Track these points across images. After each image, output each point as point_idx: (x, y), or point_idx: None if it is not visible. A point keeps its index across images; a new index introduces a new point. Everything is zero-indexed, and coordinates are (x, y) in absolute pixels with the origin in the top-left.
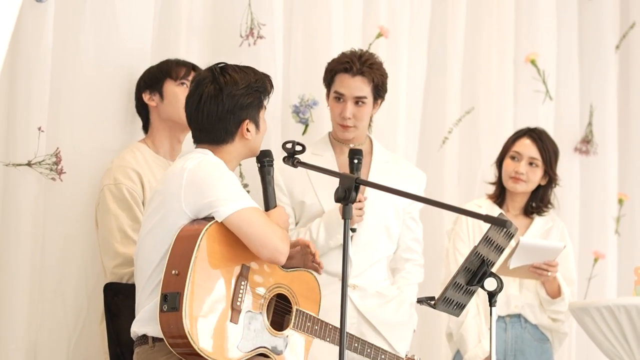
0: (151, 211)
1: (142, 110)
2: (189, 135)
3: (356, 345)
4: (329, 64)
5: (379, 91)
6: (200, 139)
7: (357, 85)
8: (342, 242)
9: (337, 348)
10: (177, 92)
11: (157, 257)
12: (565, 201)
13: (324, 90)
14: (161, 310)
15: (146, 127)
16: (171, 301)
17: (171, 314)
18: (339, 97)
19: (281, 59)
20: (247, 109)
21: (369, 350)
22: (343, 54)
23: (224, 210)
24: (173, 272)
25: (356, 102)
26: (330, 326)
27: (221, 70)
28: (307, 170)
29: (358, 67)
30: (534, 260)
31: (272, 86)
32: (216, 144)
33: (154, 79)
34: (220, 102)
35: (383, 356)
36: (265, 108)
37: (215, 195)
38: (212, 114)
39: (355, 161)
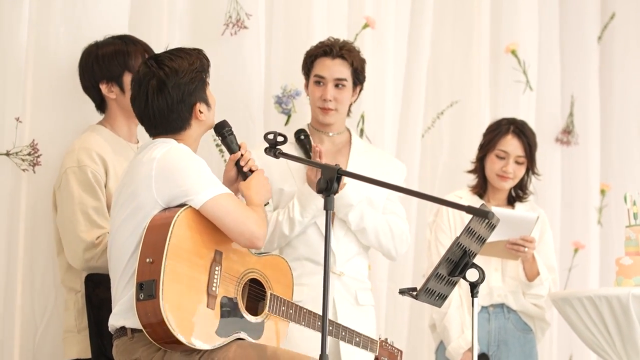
0: (121, 204)
1: (94, 92)
2: None
3: (330, 328)
4: (308, 51)
5: (358, 75)
6: (157, 133)
7: (338, 68)
8: (315, 217)
9: (314, 332)
10: None
11: (130, 247)
12: (547, 192)
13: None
14: (137, 299)
15: (101, 108)
16: (147, 289)
17: (148, 302)
18: (320, 81)
19: (264, 49)
20: (194, 93)
21: (343, 333)
22: (321, 42)
23: (199, 198)
24: (147, 260)
25: (336, 85)
26: (305, 310)
27: (158, 64)
28: (287, 161)
29: (338, 50)
30: (509, 234)
31: (207, 61)
32: (175, 132)
33: (111, 70)
34: (168, 95)
35: (357, 339)
36: (208, 83)
37: (189, 183)
38: (163, 108)
39: (302, 137)
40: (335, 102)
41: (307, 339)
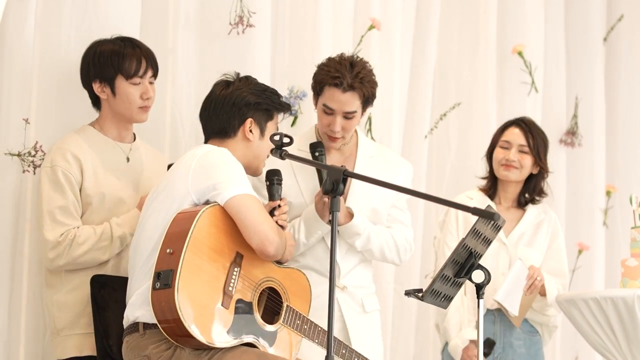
0: (154, 197)
1: (89, 89)
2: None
3: (344, 351)
4: (317, 73)
5: (368, 102)
6: (209, 129)
7: (347, 101)
8: (320, 237)
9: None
10: (130, 92)
11: (154, 238)
12: (552, 193)
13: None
14: (153, 288)
15: (96, 105)
16: (164, 278)
17: (163, 291)
18: (328, 111)
19: (269, 50)
20: (252, 108)
21: (344, 352)
22: (332, 61)
23: (226, 193)
24: (168, 250)
25: (345, 116)
26: (320, 328)
27: (245, 76)
28: (294, 170)
29: (349, 82)
30: (520, 288)
31: (286, 109)
32: (219, 137)
33: (104, 70)
34: (228, 95)
35: (356, 359)
36: (277, 127)
37: (220, 178)
38: (218, 104)
39: (317, 154)
40: (343, 131)
41: (314, 349)
